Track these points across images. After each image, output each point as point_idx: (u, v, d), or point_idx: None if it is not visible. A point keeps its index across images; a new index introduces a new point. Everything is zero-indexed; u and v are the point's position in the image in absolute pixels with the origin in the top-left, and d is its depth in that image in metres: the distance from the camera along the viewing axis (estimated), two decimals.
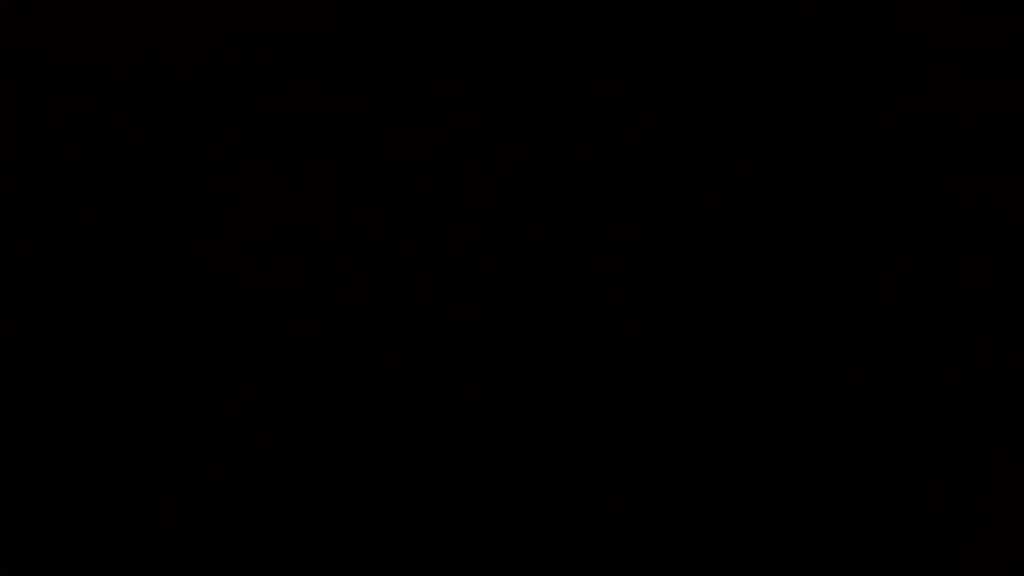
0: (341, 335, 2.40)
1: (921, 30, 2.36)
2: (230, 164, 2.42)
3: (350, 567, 2.38)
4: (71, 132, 2.44)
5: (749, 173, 2.38)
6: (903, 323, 2.35)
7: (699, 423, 2.36)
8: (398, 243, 2.41)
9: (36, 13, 2.45)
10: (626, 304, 2.38)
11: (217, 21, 2.43)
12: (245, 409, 2.39)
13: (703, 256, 2.37)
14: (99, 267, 2.42)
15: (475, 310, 2.39)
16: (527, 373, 2.38)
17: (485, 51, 2.40)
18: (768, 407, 2.35)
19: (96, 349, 2.41)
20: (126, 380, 2.40)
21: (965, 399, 2.34)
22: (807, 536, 2.34)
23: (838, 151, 2.37)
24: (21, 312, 2.42)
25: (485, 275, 2.39)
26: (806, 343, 2.36)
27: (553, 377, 2.38)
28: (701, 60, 2.39)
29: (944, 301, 2.35)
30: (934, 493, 2.33)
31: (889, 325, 2.35)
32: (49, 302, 2.42)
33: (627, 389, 2.37)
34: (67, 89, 2.44)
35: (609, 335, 2.37)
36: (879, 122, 2.37)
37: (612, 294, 2.38)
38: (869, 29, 2.37)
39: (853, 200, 2.37)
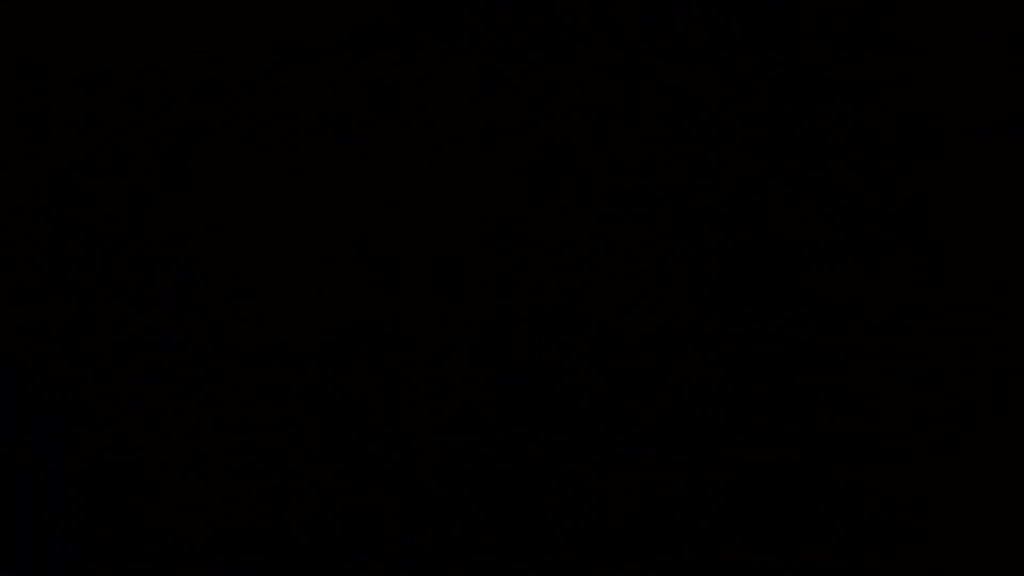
0: (341, 335, 2.40)
1: (921, 30, 2.36)
2: (230, 164, 2.42)
3: (350, 567, 2.38)
4: (71, 132, 2.44)
5: (749, 173, 2.38)
6: (903, 323, 2.35)
7: (699, 423, 2.36)
8: (398, 243, 2.41)
9: (36, 13, 2.45)
10: (626, 304, 2.38)
11: (217, 21, 2.44)
12: (245, 409, 2.40)
13: (703, 256, 2.37)
14: (99, 267, 2.42)
15: (475, 310, 2.39)
16: (527, 373, 2.38)
17: (485, 51, 2.40)
18: (768, 407, 2.35)
19: (96, 349, 2.41)
20: (126, 380, 2.40)
21: (965, 399, 2.34)
22: (807, 536, 2.34)
23: (838, 151, 2.37)
24: (21, 312, 2.42)
25: (485, 275, 2.39)
26: (806, 343, 2.36)
27: (553, 377, 2.38)
28: (701, 60, 2.39)
29: (944, 301, 2.35)
30: (934, 493, 2.33)
31: (889, 325, 2.35)
32: (49, 302, 2.42)
33: (627, 389, 2.37)
34: (67, 89, 2.44)
35: (609, 335, 2.38)
36: (879, 122, 2.37)
37: (612, 294, 2.38)
38: (869, 29, 2.37)
39: (853, 200, 2.37)
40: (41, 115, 2.44)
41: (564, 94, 2.40)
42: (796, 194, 2.37)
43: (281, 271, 2.41)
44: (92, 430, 2.40)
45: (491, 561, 2.37)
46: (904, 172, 2.37)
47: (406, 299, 2.40)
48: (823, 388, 2.35)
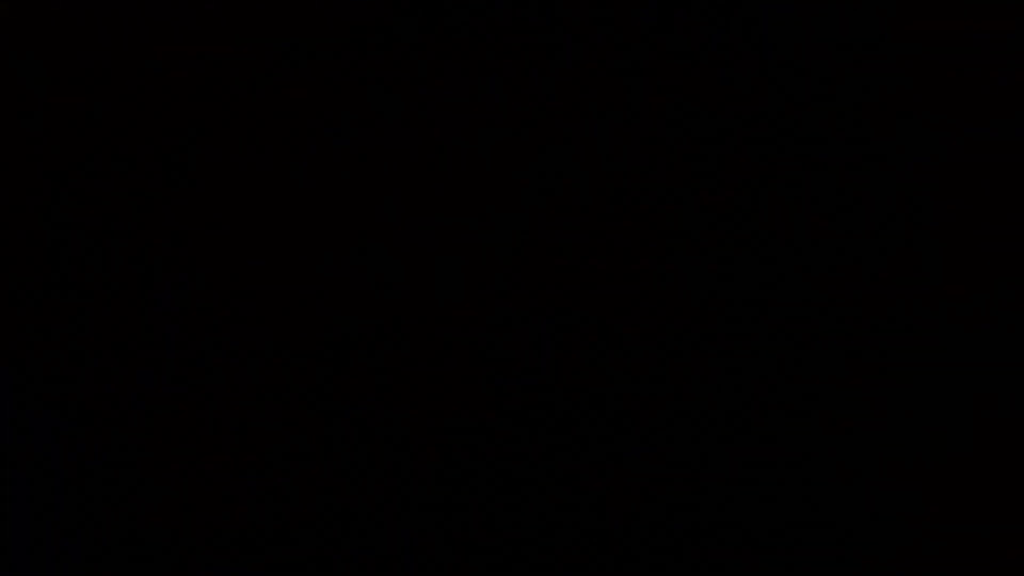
0: (341, 335, 2.40)
1: (921, 30, 2.36)
2: (230, 164, 2.42)
3: (350, 567, 2.38)
4: (71, 132, 2.44)
5: (749, 173, 2.38)
6: (903, 323, 2.35)
7: (699, 423, 2.36)
8: (398, 243, 2.41)
9: (36, 13, 2.45)
10: (626, 304, 2.38)
11: (217, 21, 2.43)
12: (245, 409, 2.40)
13: (703, 256, 2.38)
14: (99, 267, 2.42)
15: (475, 310, 2.39)
16: (527, 373, 2.38)
17: (485, 51, 2.40)
18: (768, 407, 2.35)
19: (96, 349, 2.41)
20: (126, 380, 2.40)
21: (965, 399, 2.34)
22: (807, 536, 2.34)
23: (838, 151, 2.37)
24: (21, 312, 2.42)
25: (485, 275, 2.39)
26: (806, 343, 2.36)
27: (553, 377, 2.38)
28: (701, 60, 2.39)
29: (944, 301, 2.35)
30: (934, 493, 2.33)
31: (889, 325, 2.35)
32: (49, 302, 2.42)
33: (627, 389, 2.37)
34: (67, 89, 2.44)
35: (609, 335, 2.38)
36: (879, 122, 2.37)
37: (612, 294, 2.38)
38: (869, 29, 2.37)
39: (853, 200, 2.37)
40: (41, 115, 2.44)
41: (564, 94, 2.40)
42: (796, 194, 2.37)
43: (281, 271, 2.41)
44: (92, 430, 2.40)
45: (491, 561, 2.37)
46: (904, 172, 2.37)
47: (406, 299, 2.40)
48: (823, 388, 2.35)
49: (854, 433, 2.34)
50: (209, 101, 2.43)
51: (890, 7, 2.36)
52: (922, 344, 2.35)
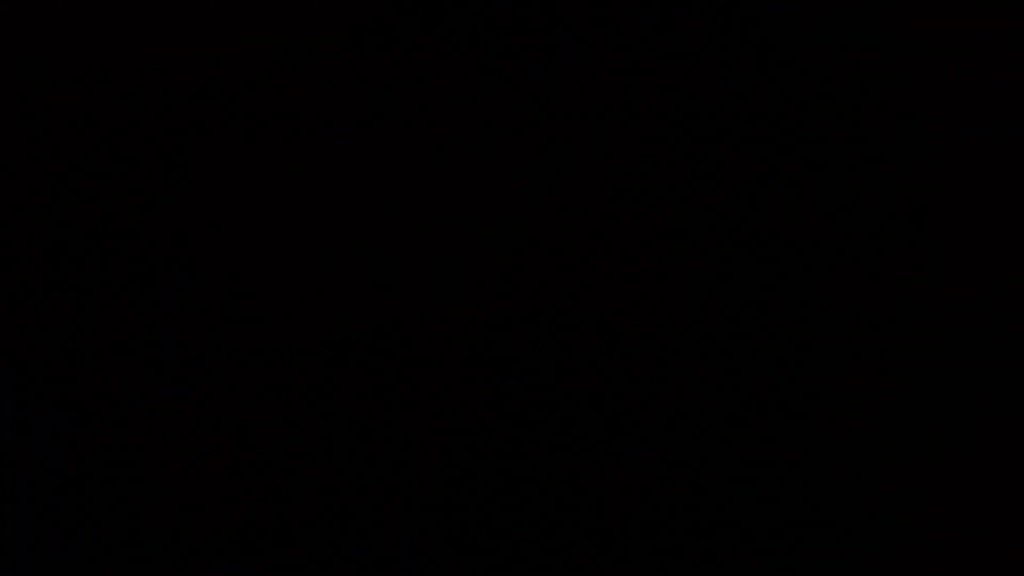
0: (341, 335, 2.40)
1: (921, 30, 2.36)
2: (230, 164, 2.42)
3: (350, 567, 2.38)
4: (71, 132, 2.44)
5: (749, 173, 2.38)
6: (903, 323, 2.35)
7: (699, 423, 2.36)
8: (398, 243, 2.41)
9: (36, 13, 2.45)
10: (626, 304, 2.38)
11: (217, 21, 2.44)
12: (245, 409, 2.40)
13: (703, 256, 2.38)
14: (99, 267, 2.42)
15: (475, 310, 2.39)
16: (527, 373, 2.38)
17: (485, 51, 2.40)
18: (768, 407, 2.35)
19: (96, 349, 2.41)
20: (126, 380, 2.40)
21: (965, 399, 2.34)
22: (807, 536, 2.34)
23: (838, 151, 2.37)
24: (21, 312, 2.42)
25: (485, 275, 2.39)
26: (806, 343, 2.36)
27: (553, 377, 2.38)
28: (701, 60, 2.39)
29: (944, 301, 2.35)
30: (934, 493, 2.33)
31: (889, 325, 2.35)
32: (49, 302, 2.42)
33: (627, 389, 2.37)
34: (67, 89, 2.44)
35: (609, 335, 2.38)
36: (879, 122, 2.37)
37: (612, 294, 2.38)
38: (869, 29, 2.37)
39: (853, 200, 2.37)
40: (41, 115, 2.44)
41: (564, 94, 2.40)
42: (796, 194, 2.37)
43: (281, 271, 2.41)
44: (92, 430, 2.40)
45: (491, 561, 2.37)
46: (904, 172, 2.37)
47: (406, 299, 2.40)
48: (823, 388, 2.35)
49: (854, 433, 2.34)
50: (209, 101, 2.43)
51: (890, 7, 2.36)
52: (922, 344, 2.35)
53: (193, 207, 2.42)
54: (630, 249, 2.38)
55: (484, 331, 2.39)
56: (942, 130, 2.36)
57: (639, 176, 2.39)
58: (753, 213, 2.37)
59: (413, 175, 2.41)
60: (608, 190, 2.39)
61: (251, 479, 2.38)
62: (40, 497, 2.40)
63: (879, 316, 2.35)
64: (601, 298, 2.38)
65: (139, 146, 2.43)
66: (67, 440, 2.40)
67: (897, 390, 2.34)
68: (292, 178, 2.42)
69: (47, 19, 2.44)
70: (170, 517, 2.39)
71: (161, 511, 2.39)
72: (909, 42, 2.36)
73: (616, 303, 2.38)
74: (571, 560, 2.36)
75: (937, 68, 2.36)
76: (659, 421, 2.36)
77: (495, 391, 2.38)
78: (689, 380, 2.37)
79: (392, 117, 2.42)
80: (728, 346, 2.36)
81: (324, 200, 2.41)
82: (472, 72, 2.41)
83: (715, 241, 2.37)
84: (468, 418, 2.38)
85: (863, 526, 2.33)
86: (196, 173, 2.42)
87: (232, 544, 2.38)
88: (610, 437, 2.36)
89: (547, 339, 2.38)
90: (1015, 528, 2.31)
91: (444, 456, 2.38)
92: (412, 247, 2.40)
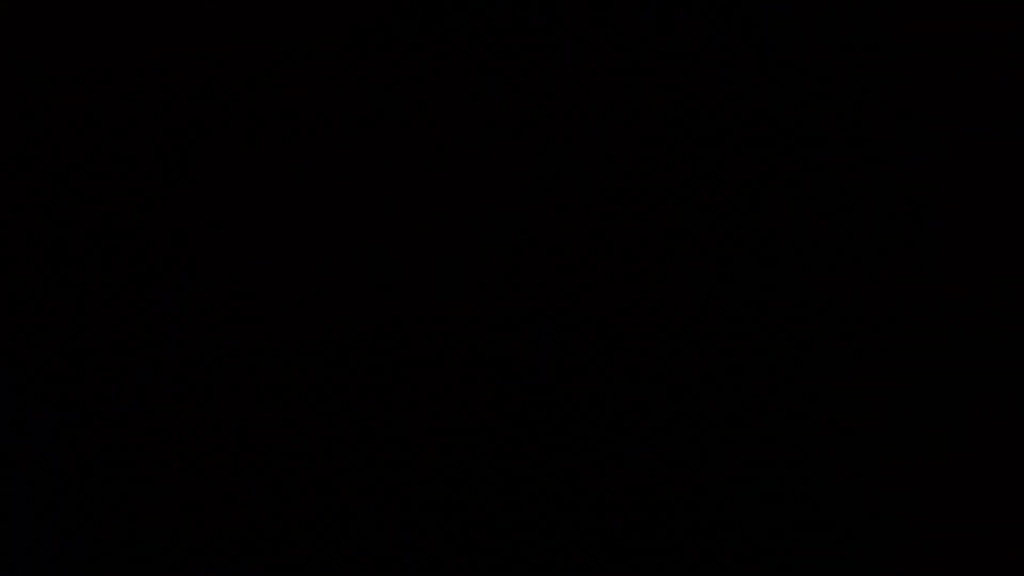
0: (341, 335, 2.40)
1: (921, 30, 2.36)
2: (230, 164, 2.42)
3: (350, 567, 2.38)
4: (71, 132, 2.44)
5: (749, 173, 2.38)
6: (903, 323, 2.35)
7: (699, 423, 2.36)
8: (398, 243, 2.41)
9: (36, 13, 2.45)
10: (626, 304, 2.38)
11: (217, 21, 2.44)
12: (245, 409, 2.40)
13: (703, 256, 2.38)
14: (99, 267, 2.42)
15: (475, 310, 2.39)
16: (527, 373, 2.38)
17: (485, 51, 2.40)
18: (768, 407, 2.35)
19: (96, 349, 2.41)
20: (126, 380, 2.40)
21: (965, 399, 2.34)
22: (807, 536, 2.34)
23: (838, 151, 2.37)
24: (21, 312, 2.42)
25: (485, 275, 2.39)
26: (806, 343, 2.36)
27: (553, 377, 2.38)
28: (701, 60, 2.39)
29: (944, 301, 2.35)
30: (934, 493, 2.33)
31: (889, 325, 2.35)
32: (49, 302, 2.42)
33: (627, 389, 2.37)
34: (67, 89, 2.44)
35: (609, 335, 2.38)
36: (879, 122, 2.37)
37: (612, 294, 2.38)
38: (869, 29, 2.37)
39: (853, 200, 2.37)
40: (41, 115, 2.44)
41: (564, 94, 2.40)
42: (796, 194, 2.37)
43: (281, 271, 2.41)
44: (92, 430, 2.40)
45: (491, 561, 2.37)
46: (904, 172, 2.37)
47: (406, 299, 2.40)
48: (823, 388, 2.35)
49: (854, 433, 2.34)
50: (209, 101, 2.43)
51: (890, 7, 2.36)
52: (922, 344, 2.35)
53: (193, 207, 2.42)
54: (630, 249, 2.38)
55: (484, 331, 2.39)
56: (942, 130, 2.36)
57: (639, 176, 2.39)
58: (753, 213, 2.37)
59: (413, 175, 2.41)
60: (608, 190, 2.39)
61: (251, 479, 2.38)
62: (40, 497, 2.40)
63: (879, 316, 2.35)
64: (601, 298, 2.38)
65: (139, 146, 2.43)
66: (67, 440, 2.40)
67: (897, 390, 2.34)
68: (292, 178, 2.42)
69: (47, 19, 2.44)
70: (170, 517, 2.39)
71: (161, 511, 2.39)
72: (909, 42, 2.36)
73: (616, 303, 2.38)
74: (571, 560, 2.36)
75: (937, 68, 2.36)
76: (659, 421, 2.36)
77: (495, 391, 2.38)
78: (689, 380, 2.37)
79: (392, 117, 2.42)
80: (728, 346, 2.36)
81: (324, 200, 2.41)
82: (472, 72, 2.41)
83: (715, 241, 2.37)
84: (468, 418, 2.38)
85: (863, 526, 2.33)
86: (196, 173, 2.42)
87: (232, 544, 2.38)
88: (610, 437, 2.36)
89: (547, 339, 2.38)
90: (1015, 528, 2.31)
91: (444, 456, 2.38)
92: (412, 247, 2.40)
